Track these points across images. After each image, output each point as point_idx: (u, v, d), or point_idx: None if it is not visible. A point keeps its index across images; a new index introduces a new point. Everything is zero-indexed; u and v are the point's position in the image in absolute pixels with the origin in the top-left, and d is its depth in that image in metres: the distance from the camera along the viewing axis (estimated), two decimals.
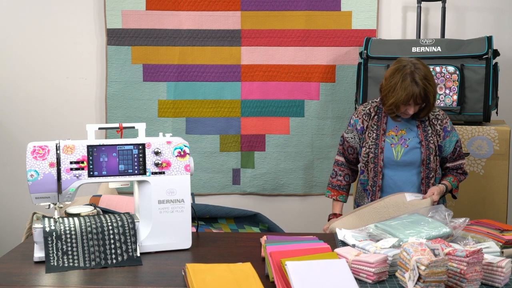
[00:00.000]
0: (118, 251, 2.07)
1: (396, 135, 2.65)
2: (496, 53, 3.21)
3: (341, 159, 2.80)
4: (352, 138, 2.73)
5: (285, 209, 3.85)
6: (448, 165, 2.72)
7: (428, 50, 3.26)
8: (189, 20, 3.72)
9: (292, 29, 3.72)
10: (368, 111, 2.70)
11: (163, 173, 2.16)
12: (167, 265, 2.05)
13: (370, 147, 2.66)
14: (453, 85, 3.19)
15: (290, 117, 3.78)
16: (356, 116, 2.72)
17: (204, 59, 3.75)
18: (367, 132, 2.68)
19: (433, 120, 2.66)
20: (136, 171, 2.14)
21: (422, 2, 3.55)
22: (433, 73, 3.18)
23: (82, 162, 2.09)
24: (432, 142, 2.63)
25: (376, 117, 2.68)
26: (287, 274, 1.74)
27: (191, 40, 3.74)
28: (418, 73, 2.52)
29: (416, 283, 1.72)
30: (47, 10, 3.76)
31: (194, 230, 2.44)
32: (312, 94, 3.76)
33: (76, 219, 2.14)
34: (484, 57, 3.19)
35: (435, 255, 1.77)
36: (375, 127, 2.67)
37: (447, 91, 3.20)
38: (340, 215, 2.75)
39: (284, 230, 2.89)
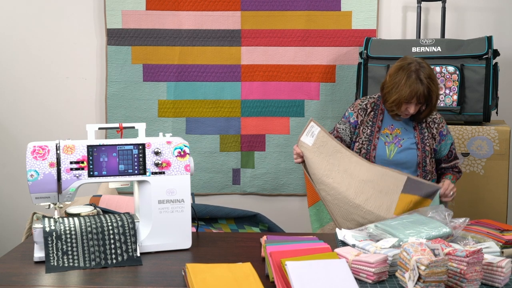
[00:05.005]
0: (118, 251, 2.07)
1: (390, 134, 2.64)
2: (496, 53, 3.21)
3: None
4: (343, 130, 2.73)
5: (285, 209, 3.85)
6: (443, 165, 2.73)
7: (428, 50, 3.26)
8: (189, 20, 3.72)
9: (292, 29, 3.72)
10: (364, 106, 2.70)
11: (163, 173, 2.16)
12: (167, 265, 2.05)
13: (363, 143, 2.65)
14: (453, 85, 3.19)
15: (290, 117, 3.78)
16: (351, 109, 2.72)
17: (204, 59, 3.75)
18: (361, 128, 2.68)
19: (430, 123, 2.66)
20: (136, 171, 2.14)
21: (422, 2, 3.55)
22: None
23: (82, 162, 2.09)
24: (428, 145, 2.62)
25: (372, 113, 2.68)
26: (287, 274, 1.74)
27: (191, 40, 3.74)
28: (423, 71, 2.52)
29: (416, 283, 1.72)
30: (47, 10, 3.76)
31: (194, 230, 2.44)
32: (312, 94, 3.76)
33: (76, 219, 2.14)
34: (484, 57, 3.19)
35: (435, 255, 1.77)
36: (370, 123, 2.67)
37: (447, 91, 3.20)
38: None
39: (284, 230, 2.89)
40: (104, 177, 2.12)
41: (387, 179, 2.48)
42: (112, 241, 2.09)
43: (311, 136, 2.60)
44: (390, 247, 1.97)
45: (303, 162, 2.67)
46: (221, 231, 2.73)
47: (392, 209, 2.43)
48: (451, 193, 2.51)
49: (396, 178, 2.47)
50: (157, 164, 2.15)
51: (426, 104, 2.57)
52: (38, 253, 2.05)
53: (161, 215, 2.17)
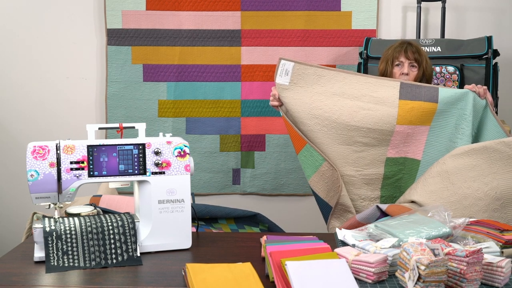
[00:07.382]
0: (118, 251, 2.07)
1: None
2: (496, 53, 3.21)
3: None
4: None
5: (285, 209, 3.85)
6: None
7: (428, 50, 3.25)
8: (189, 20, 3.72)
9: (292, 29, 3.72)
10: None
11: (163, 173, 2.16)
12: (167, 265, 2.05)
13: None
14: (453, 85, 3.19)
15: None
16: None
17: (204, 59, 3.75)
18: None
19: None
20: (136, 171, 2.14)
21: (422, 2, 3.55)
22: (433, 73, 3.18)
23: (82, 162, 2.09)
24: None
25: None
26: (287, 274, 1.74)
27: (191, 40, 3.74)
28: (410, 41, 2.80)
29: (416, 283, 1.72)
30: (47, 10, 3.76)
31: (194, 230, 2.44)
32: None
33: (76, 219, 2.14)
34: (484, 57, 3.19)
35: (435, 255, 1.77)
36: None
37: None
38: None
39: (284, 230, 2.89)
40: (104, 177, 2.12)
41: (380, 87, 2.46)
42: (112, 241, 2.09)
43: (286, 75, 2.55)
44: (390, 247, 1.97)
45: (281, 105, 2.64)
46: (221, 231, 2.73)
47: (394, 120, 2.37)
48: (482, 89, 2.50)
49: (389, 85, 2.46)
50: (157, 164, 2.15)
51: (419, 67, 2.75)
52: (38, 253, 2.05)
53: (161, 215, 2.17)
